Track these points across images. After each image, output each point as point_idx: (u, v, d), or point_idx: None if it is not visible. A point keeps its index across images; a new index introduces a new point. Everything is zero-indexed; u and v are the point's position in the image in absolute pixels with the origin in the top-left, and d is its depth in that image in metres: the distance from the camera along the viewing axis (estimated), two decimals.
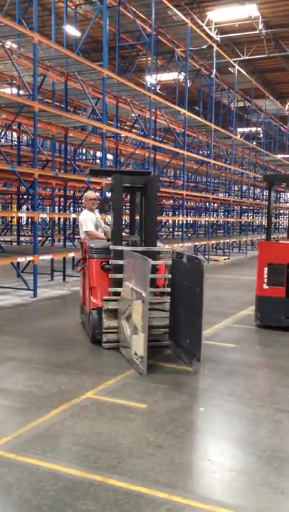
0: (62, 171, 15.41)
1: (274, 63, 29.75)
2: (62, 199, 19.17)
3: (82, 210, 13.52)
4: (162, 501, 3.49)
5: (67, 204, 18.72)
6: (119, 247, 7.23)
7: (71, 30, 17.83)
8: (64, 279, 14.35)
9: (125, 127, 23.29)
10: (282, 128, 35.74)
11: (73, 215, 14.59)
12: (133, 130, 21.91)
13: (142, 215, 7.64)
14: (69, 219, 17.88)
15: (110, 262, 7.19)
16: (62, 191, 16.20)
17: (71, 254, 13.29)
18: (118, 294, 7.05)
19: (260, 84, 29.29)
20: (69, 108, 16.62)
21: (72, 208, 19.68)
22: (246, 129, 31.73)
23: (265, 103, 29.52)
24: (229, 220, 26.67)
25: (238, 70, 23.40)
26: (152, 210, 7.39)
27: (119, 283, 7.15)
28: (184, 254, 6.71)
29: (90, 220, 8.49)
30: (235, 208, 29.38)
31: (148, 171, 8.26)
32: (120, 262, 7.12)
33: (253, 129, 32.31)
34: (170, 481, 3.75)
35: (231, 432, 4.72)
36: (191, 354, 6.34)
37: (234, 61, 23.84)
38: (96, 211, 8.79)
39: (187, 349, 6.49)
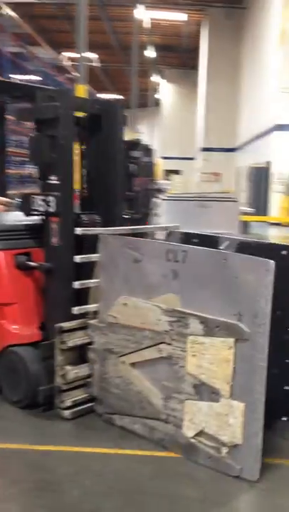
0: None
1: (48, 10, 26.44)
2: None
3: None
4: None
5: None
6: (94, 230, 3.75)
7: None
8: None
9: None
10: (58, 78, 33.01)
11: None
12: None
13: (91, 172, 4.17)
14: None
15: (78, 258, 3.66)
16: None
17: None
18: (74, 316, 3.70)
19: (37, 31, 26.37)
20: None
21: None
22: (24, 77, 28.20)
23: (41, 51, 27.00)
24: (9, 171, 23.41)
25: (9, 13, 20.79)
26: (117, 162, 4.02)
27: (80, 296, 3.77)
28: (252, 241, 3.69)
29: None
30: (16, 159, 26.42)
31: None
32: (94, 256, 3.69)
33: (32, 78, 28.93)
34: None
35: None
36: None
37: (5, 3, 21.04)
38: None
39: None
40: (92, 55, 30.98)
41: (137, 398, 3.46)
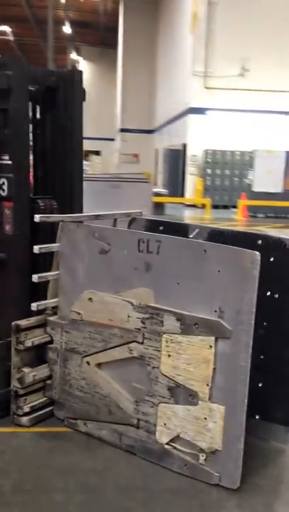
0: None
1: None
2: None
3: None
4: None
5: None
6: (55, 216, 3.36)
7: None
8: None
9: None
10: None
11: None
12: None
13: (45, 152, 3.74)
14: None
15: (37, 248, 3.26)
16: None
17: None
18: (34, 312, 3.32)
19: None
20: None
21: None
22: None
23: None
24: None
25: None
26: (75, 140, 3.65)
27: (36, 290, 3.40)
28: (225, 230, 3.42)
29: None
30: None
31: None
32: (54, 246, 3.32)
33: None
34: None
35: None
36: None
37: None
38: None
39: None
40: (6, 28, 29.74)
41: (103, 402, 3.16)
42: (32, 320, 3.27)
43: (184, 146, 22.18)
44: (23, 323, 3.22)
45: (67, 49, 34.83)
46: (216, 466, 2.85)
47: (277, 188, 19.20)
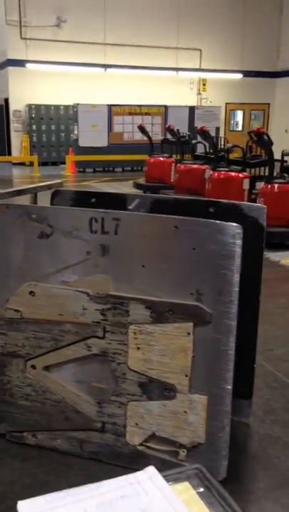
0: None
1: None
2: None
3: None
4: None
5: None
6: None
7: None
8: None
9: None
10: None
11: None
12: None
13: None
14: None
15: None
16: None
17: None
18: None
19: None
20: None
21: None
22: None
23: None
24: None
25: None
26: None
27: None
28: (170, 198, 2.94)
29: None
30: None
31: None
32: None
33: None
34: None
35: None
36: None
37: None
38: None
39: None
40: None
41: (57, 408, 2.64)
42: None
43: (6, 100, 20.78)
44: None
45: None
46: (198, 460, 2.52)
47: (102, 142, 18.92)
